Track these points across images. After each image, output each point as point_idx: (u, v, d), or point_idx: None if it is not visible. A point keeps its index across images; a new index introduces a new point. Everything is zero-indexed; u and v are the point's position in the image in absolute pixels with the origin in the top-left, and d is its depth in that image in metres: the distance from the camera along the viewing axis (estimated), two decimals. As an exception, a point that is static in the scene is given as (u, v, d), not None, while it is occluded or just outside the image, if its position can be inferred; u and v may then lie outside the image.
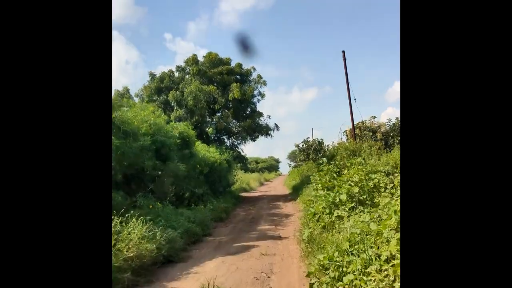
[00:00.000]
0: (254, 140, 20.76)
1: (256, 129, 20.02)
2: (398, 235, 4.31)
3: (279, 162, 76.75)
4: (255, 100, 20.09)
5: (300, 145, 45.65)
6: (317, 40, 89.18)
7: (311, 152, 43.23)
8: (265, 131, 20.20)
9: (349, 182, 9.43)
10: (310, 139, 45.86)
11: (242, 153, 21.92)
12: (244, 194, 24.75)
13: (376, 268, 4.16)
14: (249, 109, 20.07)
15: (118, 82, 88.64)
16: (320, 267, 5.02)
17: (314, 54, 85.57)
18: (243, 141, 20.78)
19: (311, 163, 33.39)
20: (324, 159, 9.91)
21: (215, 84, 19.03)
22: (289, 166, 56.89)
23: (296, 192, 20.00)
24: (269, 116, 22.84)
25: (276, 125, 21.19)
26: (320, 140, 44.30)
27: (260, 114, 20.08)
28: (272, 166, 71.37)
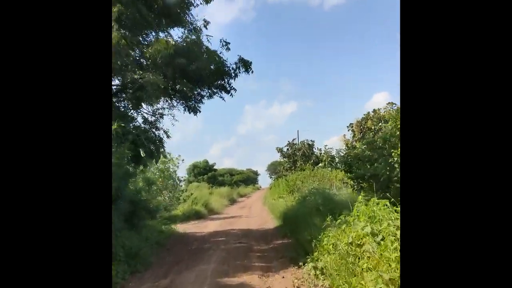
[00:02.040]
0: (191, 107, 7.76)
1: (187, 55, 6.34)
2: None
3: (258, 175, 64.74)
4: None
5: (284, 149, 33.65)
6: (298, 53, 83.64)
7: (299, 158, 31.33)
8: (221, 74, 7.18)
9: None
10: (297, 141, 34.08)
11: (162, 135, 8.09)
12: (187, 227, 12.46)
13: None
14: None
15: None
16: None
17: (295, 67, 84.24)
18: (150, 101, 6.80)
19: (310, 170, 21.23)
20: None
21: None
22: (270, 178, 44.59)
23: (290, 227, 8.15)
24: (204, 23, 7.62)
25: (244, 62, 7.35)
26: (311, 142, 32.44)
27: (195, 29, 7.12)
28: (249, 179, 59.20)
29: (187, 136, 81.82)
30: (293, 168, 31.45)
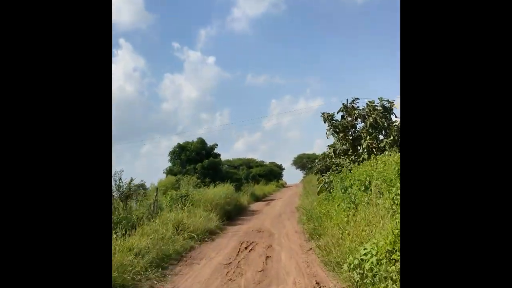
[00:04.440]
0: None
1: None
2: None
3: (283, 169, 49.72)
4: None
5: (337, 117, 16.94)
6: (328, 48, 76.23)
7: (365, 133, 15.59)
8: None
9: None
10: (359, 106, 17.80)
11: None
12: None
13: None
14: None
15: (125, 90, 70.27)
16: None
17: (324, 62, 74.42)
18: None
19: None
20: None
21: None
22: (302, 171, 28.24)
23: None
24: None
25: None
26: (387, 104, 16.27)
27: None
28: (272, 173, 44.22)
29: (213, 130, 77.02)
30: (352, 151, 16.38)
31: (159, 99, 75.36)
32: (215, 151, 22.30)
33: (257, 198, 21.74)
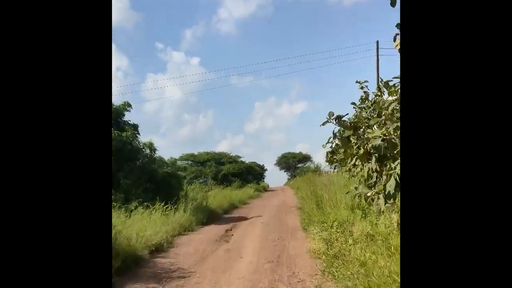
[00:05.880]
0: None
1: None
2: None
3: (265, 170, 38.68)
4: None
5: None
6: (313, 51, 76.23)
7: None
8: None
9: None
10: None
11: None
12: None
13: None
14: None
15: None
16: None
17: (309, 65, 69.90)
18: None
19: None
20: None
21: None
22: (289, 174, 17.50)
23: None
24: None
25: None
26: None
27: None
28: (251, 173, 32.91)
29: (198, 131, 72.05)
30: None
31: (142, 99, 74.96)
32: (125, 118, 10.66)
33: (210, 216, 10.35)
